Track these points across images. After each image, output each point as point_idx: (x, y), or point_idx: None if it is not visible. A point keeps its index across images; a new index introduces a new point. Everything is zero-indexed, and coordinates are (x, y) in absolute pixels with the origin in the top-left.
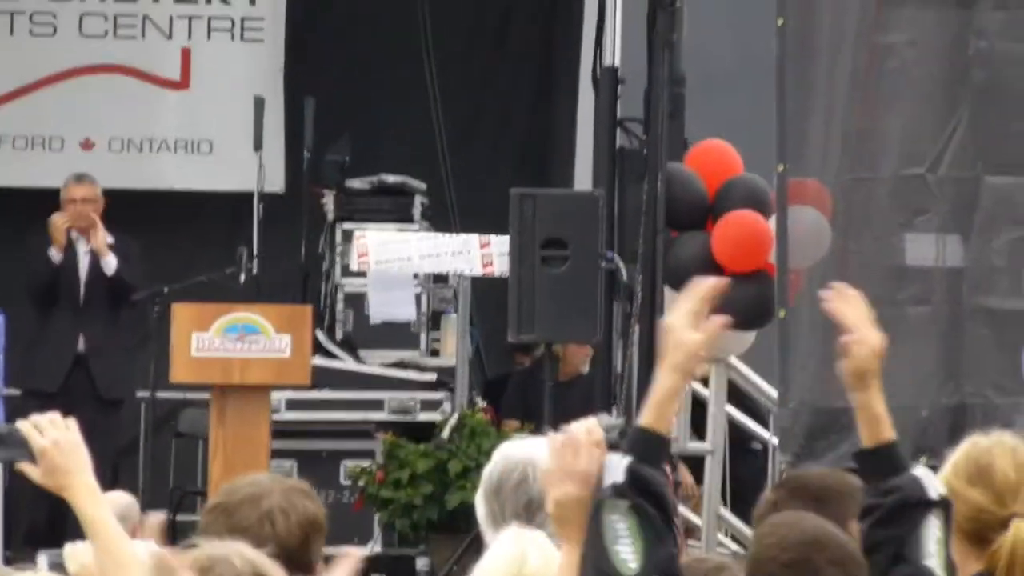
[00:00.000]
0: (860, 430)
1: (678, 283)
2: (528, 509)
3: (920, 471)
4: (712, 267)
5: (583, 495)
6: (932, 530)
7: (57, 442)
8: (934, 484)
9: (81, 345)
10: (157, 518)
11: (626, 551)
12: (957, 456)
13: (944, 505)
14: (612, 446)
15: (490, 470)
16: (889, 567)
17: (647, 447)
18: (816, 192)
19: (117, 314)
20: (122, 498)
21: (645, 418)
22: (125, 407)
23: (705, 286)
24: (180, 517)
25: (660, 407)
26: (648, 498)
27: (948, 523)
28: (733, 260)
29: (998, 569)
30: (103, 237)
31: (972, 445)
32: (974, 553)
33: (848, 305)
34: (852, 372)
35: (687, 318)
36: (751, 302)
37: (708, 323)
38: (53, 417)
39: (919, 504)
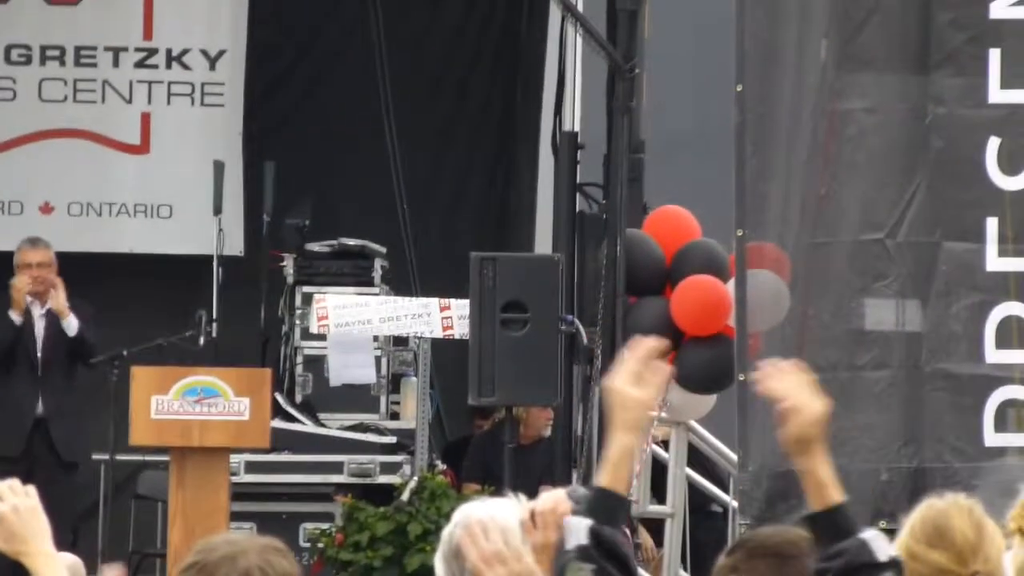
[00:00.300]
0: (807, 495)
1: None
2: None
3: (869, 534)
4: (672, 331)
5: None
6: None
7: (16, 508)
8: (884, 547)
9: (40, 408)
10: (117, 569)
11: None
12: (914, 519)
13: (895, 566)
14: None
15: (450, 531)
16: None
17: (607, 508)
18: (774, 256)
19: (74, 377)
20: (66, 558)
21: (602, 478)
22: (83, 470)
23: (644, 346)
24: None
25: (615, 466)
26: (612, 561)
27: None
28: (693, 324)
29: None
30: (64, 298)
31: (928, 508)
32: None
33: (783, 379)
34: (792, 439)
35: (628, 378)
36: (711, 366)
37: (652, 377)
38: (12, 483)
39: (867, 567)
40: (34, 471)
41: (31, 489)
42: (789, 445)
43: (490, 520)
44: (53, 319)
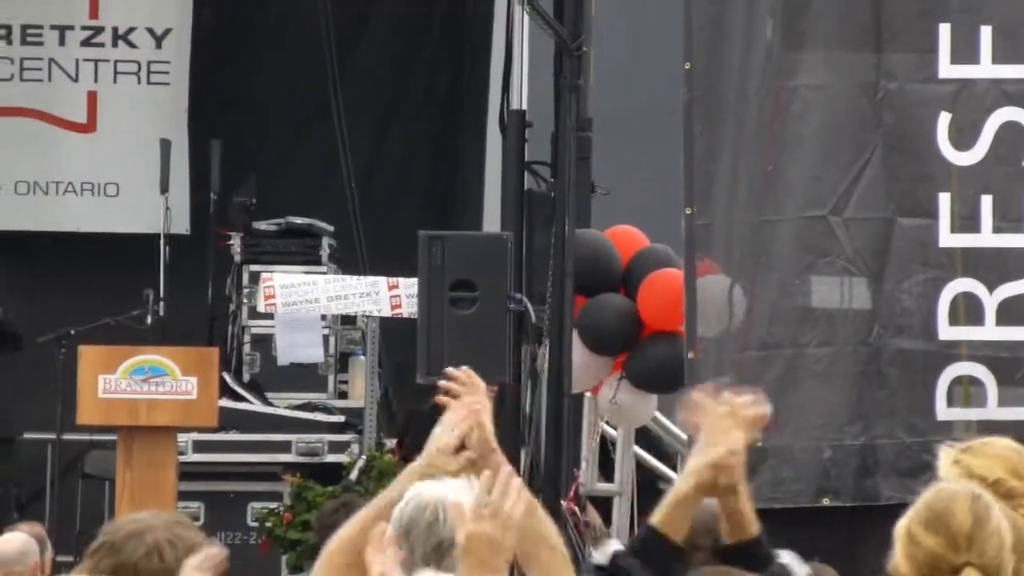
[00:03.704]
0: (724, 529)
1: (599, 346)
2: (438, 551)
3: (786, 558)
4: (631, 327)
5: (495, 536)
6: None
7: None
8: (799, 568)
9: None
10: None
11: None
12: (920, 501)
13: None
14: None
15: (401, 510)
16: None
17: (651, 549)
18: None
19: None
20: (16, 539)
21: (657, 517)
22: (31, 448)
23: (743, 402)
24: None
25: (680, 509)
26: None
27: None
28: (658, 318)
29: None
30: None
31: (937, 491)
32: None
33: (709, 415)
34: (724, 487)
35: (734, 434)
36: (668, 364)
37: (735, 442)
38: None
39: None
40: None
41: None
42: (720, 490)
43: (444, 499)
44: None
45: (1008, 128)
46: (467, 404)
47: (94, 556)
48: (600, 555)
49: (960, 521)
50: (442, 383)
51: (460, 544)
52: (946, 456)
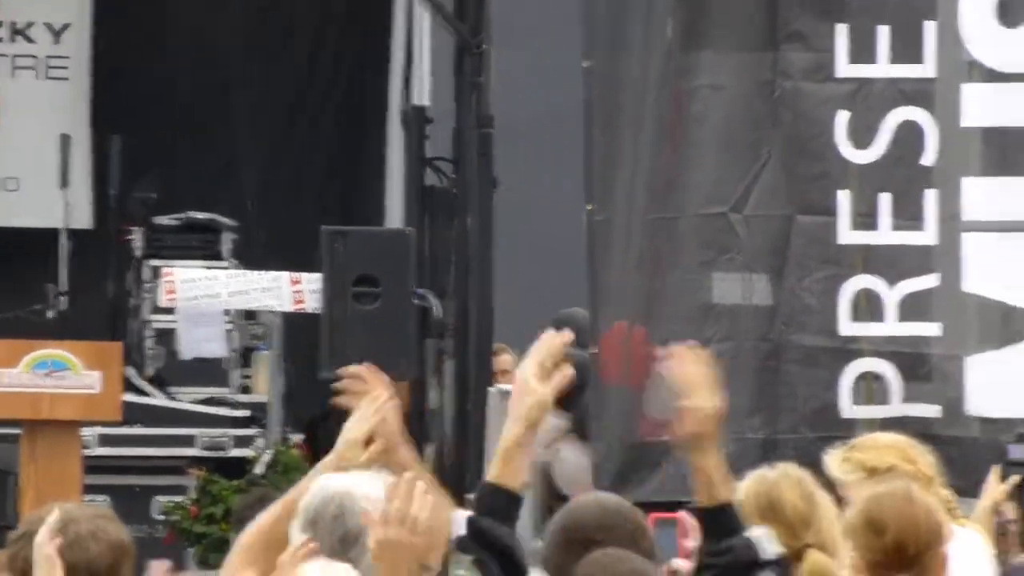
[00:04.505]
0: (696, 490)
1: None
2: (344, 542)
3: (756, 532)
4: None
5: (404, 540)
6: None
7: None
8: (769, 546)
9: None
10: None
11: None
12: (746, 492)
13: (778, 565)
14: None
15: (307, 502)
16: None
17: (494, 502)
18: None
19: None
20: None
21: (493, 473)
22: None
23: (554, 340)
24: None
25: (507, 459)
26: (490, 551)
27: None
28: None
29: None
30: None
31: (759, 480)
32: None
33: (690, 367)
34: (688, 436)
35: (537, 370)
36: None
37: (555, 376)
38: None
39: (752, 565)
40: None
41: None
42: (684, 441)
43: (350, 491)
44: None
45: (905, 127)
46: (373, 399)
47: (14, 545)
48: (457, 525)
49: (794, 506)
50: (344, 381)
51: (372, 552)
52: (833, 457)
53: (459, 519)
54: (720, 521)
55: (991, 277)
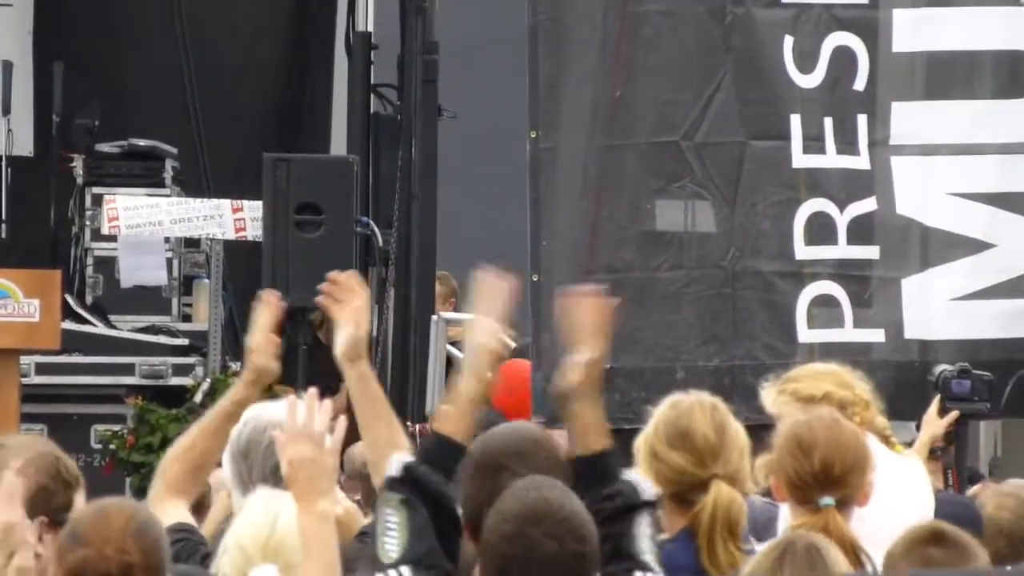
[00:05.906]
0: (573, 438)
1: None
2: (276, 472)
3: (634, 476)
4: None
5: (315, 456)
6: (644, 527)
7: None
8: (646, 487)
9: None
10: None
11: (391, 541)
12: (658, 418)
13: (653, 505)
14: None
15: (239, 431)
16: (610, 560)
17: (437, 452)
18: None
19: None
20: None
21: (441, 423)
22: None
23: (502, 288)
24: None
25: (459, 413)
26: (423, 495)
27: (655, 520)
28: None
29: (700, 528)
30: None
31: (672, 406)
32: (679, 511)
33: (581, 314)
34: (567, 389)
35: (489, 323)
36: None
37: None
38: None
39: (633, 507)
40: None
41: None
42: (564, 390)
43: (282, 421)
44: None
45: (840, 52)
46: (350, 305)
47: None
48: (393, 467)
49: (704, 436)
50: (324, 286)
51: (285, 475)
52: (768, 391)
53: (396, 461)
54: (595, 468)
55: (917, 199)
